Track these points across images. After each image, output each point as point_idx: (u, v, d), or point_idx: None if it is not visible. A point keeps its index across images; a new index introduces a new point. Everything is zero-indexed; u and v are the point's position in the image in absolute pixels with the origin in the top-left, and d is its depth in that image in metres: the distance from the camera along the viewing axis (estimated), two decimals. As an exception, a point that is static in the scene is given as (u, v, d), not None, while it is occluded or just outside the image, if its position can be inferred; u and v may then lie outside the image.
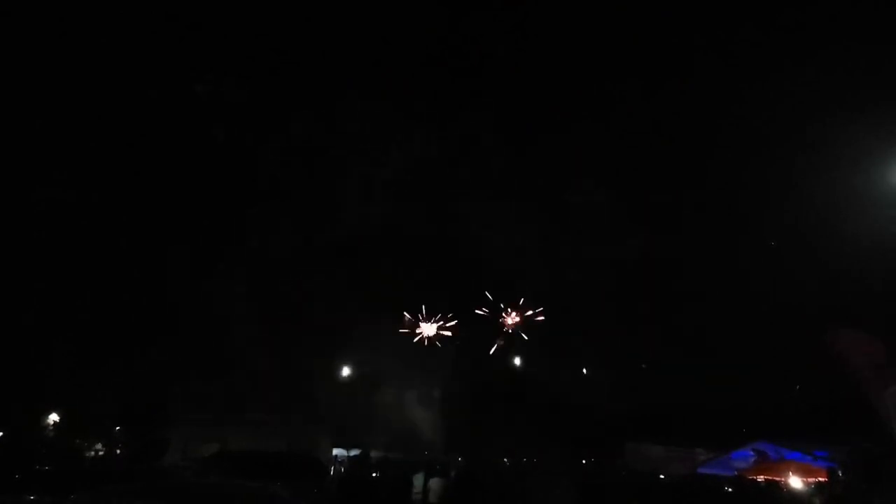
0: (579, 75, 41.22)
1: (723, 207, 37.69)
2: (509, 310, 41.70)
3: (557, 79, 45.48)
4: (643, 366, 37.54)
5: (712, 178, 38.01)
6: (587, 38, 41.77)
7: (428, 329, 39.96)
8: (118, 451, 24.50)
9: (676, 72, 40.02)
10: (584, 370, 40.32)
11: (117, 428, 26.78)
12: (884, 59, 26.33)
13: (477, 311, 41.24)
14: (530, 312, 41.86)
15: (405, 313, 40.66)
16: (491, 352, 40.63)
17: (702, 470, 21.64)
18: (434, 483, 11.14)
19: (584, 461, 34.12)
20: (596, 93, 40.67)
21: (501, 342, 40.73)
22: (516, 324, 41.82)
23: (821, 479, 15.18)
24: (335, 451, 23.82)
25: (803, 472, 16.93)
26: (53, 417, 26.35)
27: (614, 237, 37.65)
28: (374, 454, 20.06)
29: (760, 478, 17.92)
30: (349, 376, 35.22)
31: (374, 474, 11.25)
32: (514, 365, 40.69)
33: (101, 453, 24.72)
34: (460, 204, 41.91)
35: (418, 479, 11.63)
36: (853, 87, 28.45)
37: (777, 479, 17.43)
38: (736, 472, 18.86)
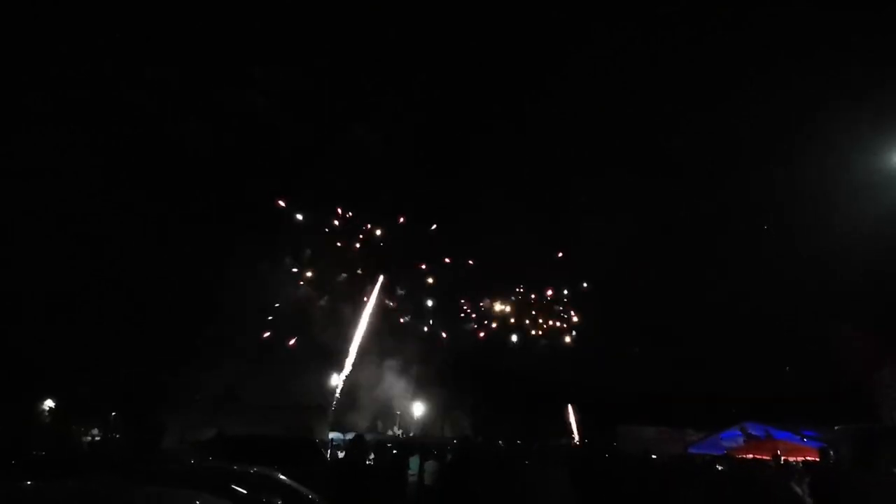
0: (567, 63, 40.96)
1: (716, 193, 37.87)
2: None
3: (554, 72, 45.08)
4: (636, 349, 37.97)
5: (708, 169, 38.13)
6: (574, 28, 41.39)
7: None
8: (116, 437, 24.55)
9: (670, 59, 39.77)
10: (577, 354, 40.72)
11: (113, 413, 26.80)
12: (878, 52, 26.27)
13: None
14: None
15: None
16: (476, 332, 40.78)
17: (692, 449, 22.07)
18: (429, 465, 11.27)
19: (576, 442, 34.63)
20: (590, 83, 40.47)
21: (475, 326, 40.84)
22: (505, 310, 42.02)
23: (809, 458, 15.50)
24: (332, 435, 24.02)
25: (791, 452, 17.28)
26: (49, 403, 26.31)
27: (608, 223, 37.81)
28: (369, 437, 20.22)
29: (749, 456, 18.28)
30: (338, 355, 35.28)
31: (369, 458, 11.34)
32: (505, 346, 41.00)
33: (97, 438, 24.77)
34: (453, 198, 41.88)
35: (414, 462, 11.78)
36: (840, 75, 28.43)
37: (765, 457, 17.78)
38: (725, 451, 19.25)
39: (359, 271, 38.70)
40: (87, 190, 27.35)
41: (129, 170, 30.74)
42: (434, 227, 40.08)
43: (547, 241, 40.33)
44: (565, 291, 43.33)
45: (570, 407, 40.75)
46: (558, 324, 42.76)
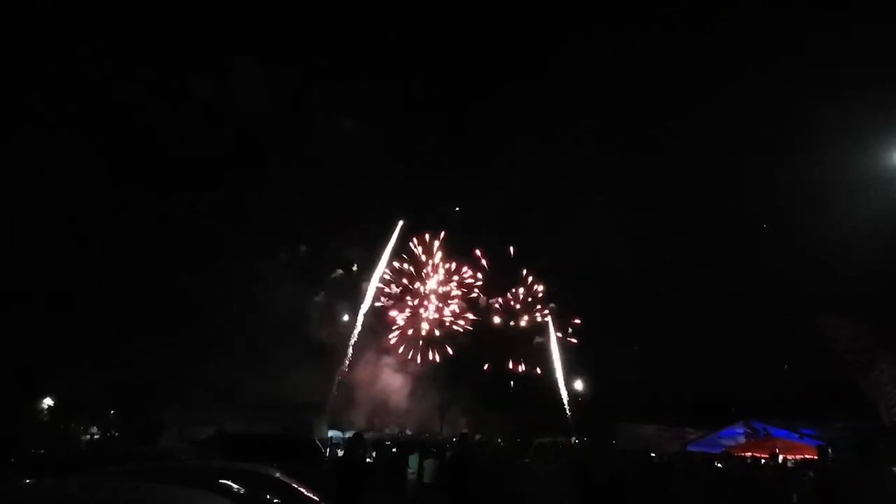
0: (573, 64, 41.02)
1: (715, 192, 37.90)
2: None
3: (555, 69, 45.11)
4: (635, 347, 37.98)
5: (708, 168, 38.20)
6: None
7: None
8: (114, 435, 24.55)
9: (670, 58, 39.80)
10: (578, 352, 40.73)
11: (112, 412, 26.80)
12: (877, 51, 26.30)
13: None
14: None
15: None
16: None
17: (691, 448, 22.07)
18: (429, 464, 11.28)
19: (575, 440, 34.66)
20: (590, 83, 40.53)
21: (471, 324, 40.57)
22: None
23: (807, 456, 15.53)
24: (331, 433, 24.05)
25: (790, 450, 17.30)
26: (48, 402, 26.29)
27: (608, 222, 37.86)
28: (368, 435, 20.24)
29: (748, 454, 18.30)
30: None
31: (369, 457, 11.36)
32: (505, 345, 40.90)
33: (96, 437, 24.78)
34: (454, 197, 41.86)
35: (414, 460, 11.80)
36: (839, 74, 28.48)
37: (763, 455, 17.81)
38: (724, 450, 19.25)
39: (354, 267, 38.51)
40: (86, 190, 27.34)
41: (129, 169, 30.72)
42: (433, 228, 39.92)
43: (546, 240, 40.40)
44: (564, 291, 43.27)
45: (569, 405, 40.77)
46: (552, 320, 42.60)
